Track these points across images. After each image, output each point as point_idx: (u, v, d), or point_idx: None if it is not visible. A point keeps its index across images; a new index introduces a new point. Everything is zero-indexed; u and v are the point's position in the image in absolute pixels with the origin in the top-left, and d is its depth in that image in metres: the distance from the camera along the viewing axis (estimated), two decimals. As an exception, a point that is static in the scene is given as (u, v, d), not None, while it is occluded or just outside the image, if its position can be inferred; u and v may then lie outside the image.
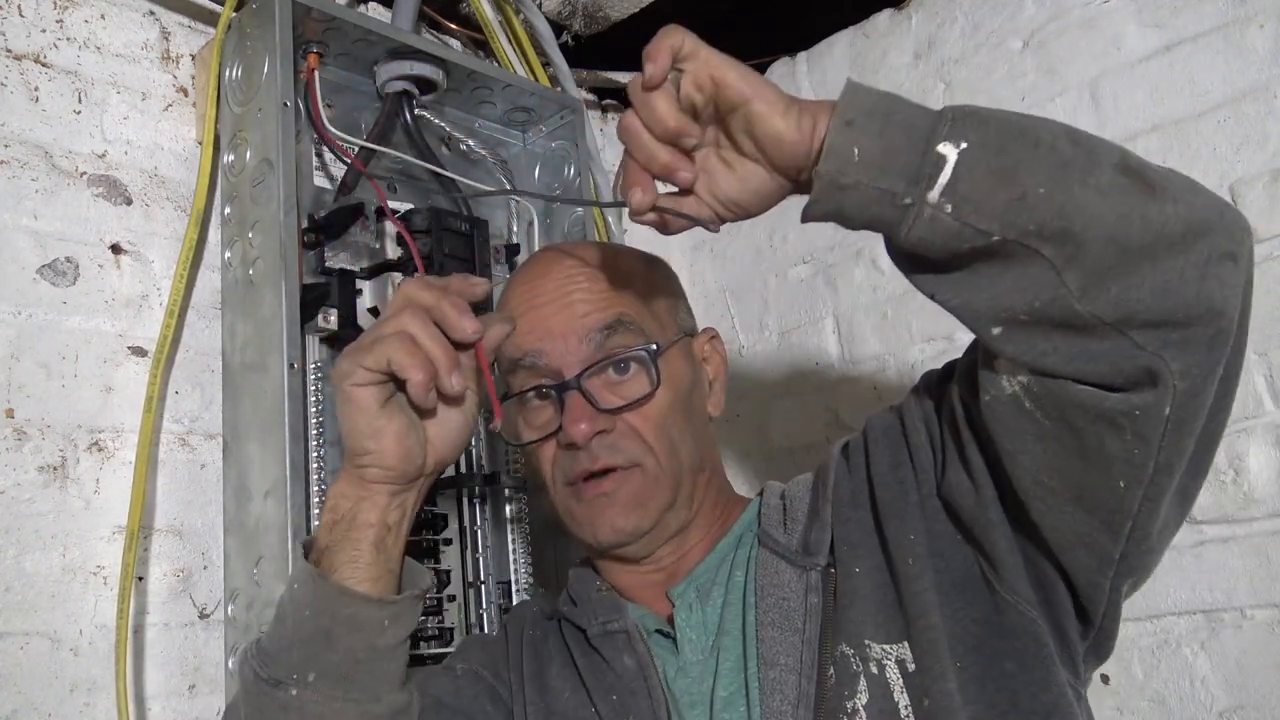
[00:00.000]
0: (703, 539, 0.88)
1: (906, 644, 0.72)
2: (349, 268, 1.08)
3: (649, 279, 0.90)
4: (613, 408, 0.83)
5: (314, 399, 1.01)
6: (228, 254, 1.06)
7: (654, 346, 0.85)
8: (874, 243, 1.38)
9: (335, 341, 1.07)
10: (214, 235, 1.08)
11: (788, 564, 0.79)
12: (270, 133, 1.01)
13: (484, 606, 1.13)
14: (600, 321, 0.84)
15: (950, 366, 0.77)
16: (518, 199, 1.29)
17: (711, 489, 0.89)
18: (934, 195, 0.60)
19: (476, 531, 1.14)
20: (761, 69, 1.59)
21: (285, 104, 1.01)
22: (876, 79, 1.44)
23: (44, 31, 1.03)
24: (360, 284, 1.09)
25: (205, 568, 1.02)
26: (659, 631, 0.84)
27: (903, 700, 0.71)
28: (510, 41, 1.38)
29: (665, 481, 0.84)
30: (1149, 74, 1.21)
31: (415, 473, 0.74)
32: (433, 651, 1.05)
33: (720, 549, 0.86)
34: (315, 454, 1.00)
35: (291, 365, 0.96)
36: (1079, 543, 0.68)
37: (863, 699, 0.72)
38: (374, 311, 1.09)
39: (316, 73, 1.09)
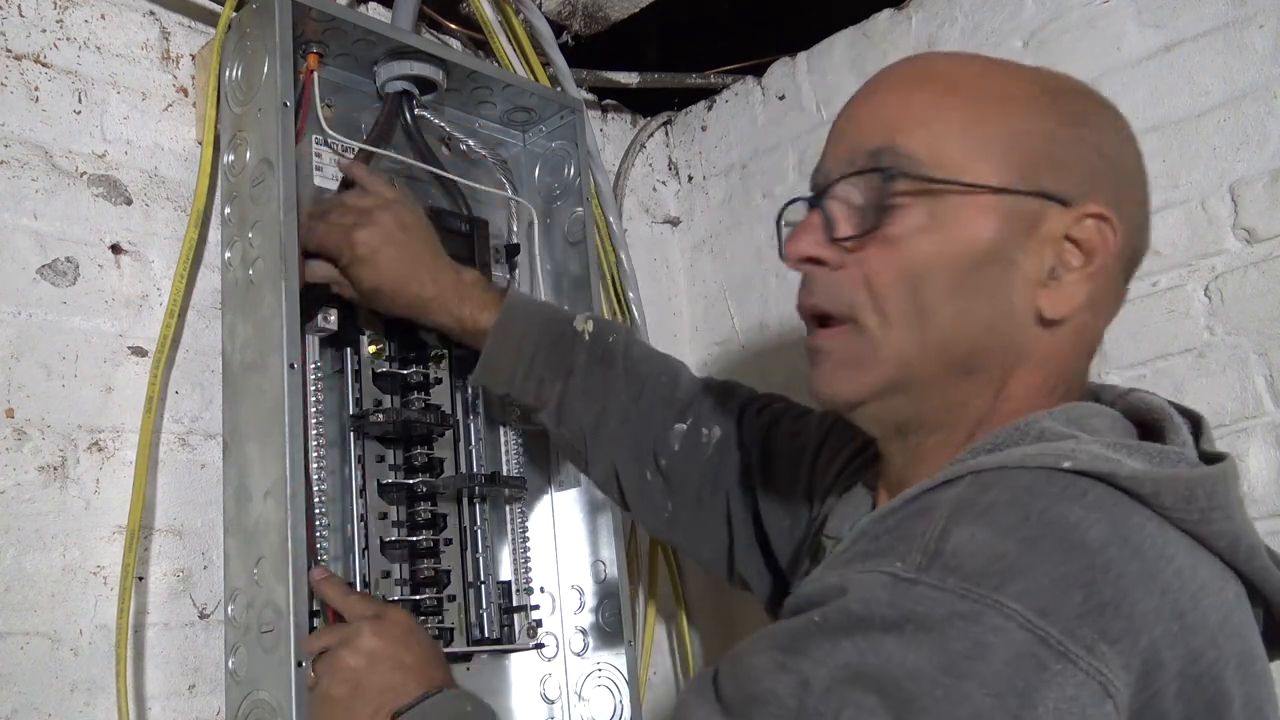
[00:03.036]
0: (940, 462, 0.65)
1: None
2: (349, 268, 1.08)
3: (1002, 109, 0.66)
4: (845, 236, 0.66)
5: (314, 399, 1.02)
6: (228, 254, 1.06)
7: (930, 178, 0.63)
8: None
9: (335, 341, 1.07)
10: (214, 235, 1.08)
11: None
12: (270, 133, 1.01)
13: (484, 606, 1.13)
14: (871, 143, 0.66)
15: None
16: (517, 199, 1.29)
17: (990, 403, 0.66)
18: None
19: (476, 531, 1.14)
20: (761, 69, 1.59)
21: (285, 104, 1.01)
22: (876, 79, 1.43)
23: (44, 31, 1.03)
24: (360, 284, 1.10)
25: (205, 568, 1.02)
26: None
27: None
28: (510, 41, 1.38)
29: (888, 353, 0.65)
30: (1149, 74, 1.21)
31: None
32: (433, 651, 1.05)
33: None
34: (315, 454, 1.00)
35: (291, 365, 0.96)
36: None
37: None
38: (374, 311, 1.09)
39: (316, 73, 1.09)
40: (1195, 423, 0.68)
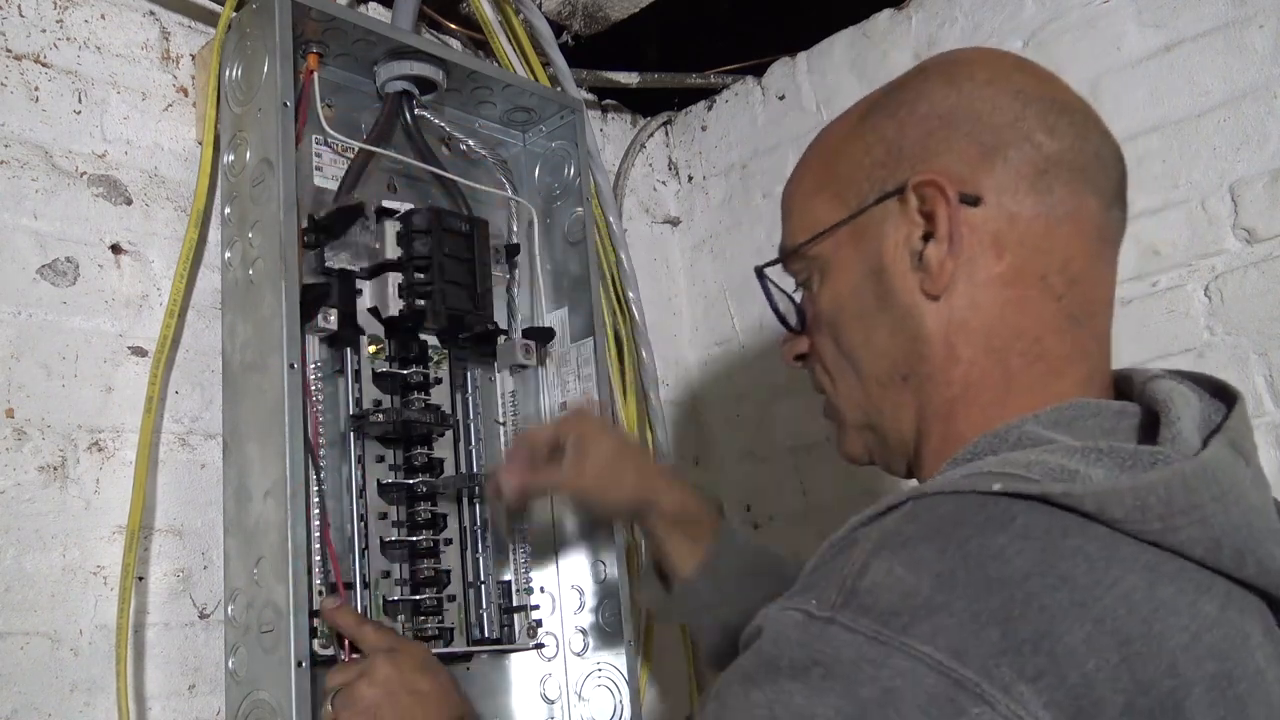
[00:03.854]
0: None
1: None
2: (349, 268, 1.08)
3: (835, 151, 0.70)
4: (791, 331, 0.75)
5: (314, 399, 1.02)
6: (228, 254, 1.06)
7: (799, 246, 0.70)
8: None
9: (335, 341, 1.07)
10: (214, 235, 1.08)
11: None
12: (270, 133, 1.01)
13: (484, 606, 1.13)
14: (781, 245, 0.74)
15: None
16: (517, 199, 1.29)
17: (943, 390, 0.65)
18: None
19: (476, 531, 1.14)
20: (761, 69, 1.59)
21: (285, 104, 1.01)
22: (877, 79, 1.43)
23: (44, 31, 1.03)
24: (360, 284, 1.09)
25: (205, 568, 1.02)
26: None
27: None
28: (510, 41, 1.38)
29: (843, 404, 0.71)
30: (1149, 74, 1.21)
31: None
32: (435, 652, 1.05)
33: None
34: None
35: (291, 365, 0.96)
36: None
37: None
38: (374, 312, 1.09)
39: (316, 73, 1.09)
40: (1231, 403, 0.62)
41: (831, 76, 1.50)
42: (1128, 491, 0.52)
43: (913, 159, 0.65)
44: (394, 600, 1.05)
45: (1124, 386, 0.67)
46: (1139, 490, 0.52)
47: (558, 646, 1.21)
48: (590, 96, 1.59)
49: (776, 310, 0.75)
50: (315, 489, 0.98)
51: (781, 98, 1.56)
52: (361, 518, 1.05)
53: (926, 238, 0.64)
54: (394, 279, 1.10)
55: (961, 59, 0.69)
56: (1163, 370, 0.65)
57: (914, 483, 0.64)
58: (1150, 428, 0.60)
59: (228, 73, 1.07)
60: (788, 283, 0.75)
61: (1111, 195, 0.66)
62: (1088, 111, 0.67)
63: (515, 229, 1.30)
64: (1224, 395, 0.63)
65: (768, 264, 0.74)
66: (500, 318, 1.23)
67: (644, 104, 1.67)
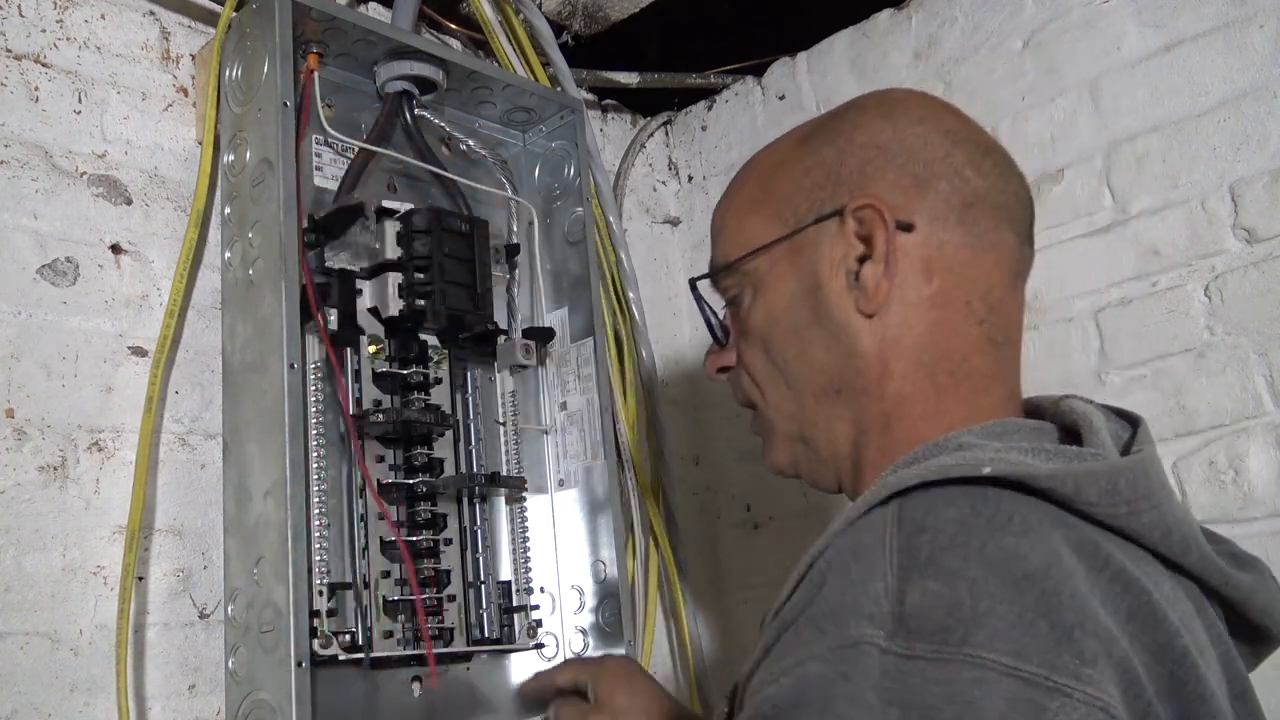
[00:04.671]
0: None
1: None
2: (349, 268, 1.08)
3: (773, 172, 0.74)
4: (719, 343, 0.78)
5: (314, 399, 1.02)
6: (228, 254, 1.06)
7: (733, 261, 0.73)
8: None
9: (335, 341, 1.07)
10: (214, 235, 1.08)
11: None
12: (270, 133, 1.01)
13: (484, 606, 1.13)
14: (713, 262, 0.77)
15: None
16: (517, 199, 1.29)
17: (878, 406, 0.68)
18: None
19: (476, 531, 1.14)
20: (761, 69, 1.59)
21: (285, 104, 1.01)
22: (876, 79, 1.44)
23: (44, 31, 1.03)
24: (360, 284, 1.09)
25: (205, 568, 1.02)
26: None
27: None
28: (510, 41, 1.38)
29: (774, 415, 0.74)
30: (1149, 74, 1.21)
31: None
32: (436, 651, 1.05)
33: None
34: (315, 454, 1.00)
35: (291, 365, 0.96)
36: None
37: None
38: (374, 312, 1.09)
39: (316, 73, 1.09)
40: (1135, 425, 0.68)
41: (831, 76, 1.50)
42: (1102, 474, 0.56)
43: (850, 184, 0.68)
44: (394, 600, 1.05)
45: (1033, 411, 0.70)
46: (1110, 474, 0.56)
47: (558, 646, 1.21)
48: (590, 96, 1.59)
49: (709, 323, 0.78)
50: (352, 483, 0.98)
51: (781, 98, 1.56)
52: (361, 518, 1.05)
53: (862, 259, 0.67)
54: (394, 279, 1.09)
55: (896, 98, 0.73)
56: (1069, 395, 0.70)
57: (846, 500, 0.68)
58: (1069, 443, 0.64)
59: (228, 73, 1.07)
60: (717, 301, 0.78)
61: (1025, 233, 0.71)
62: (1007, 156, 0.72)
63: (515, 229, 1.30)
64: (1129, 419, 0.69)
65: (699, 277, 0.77)
66: (500, 318, 1.23)
67: (644, 104, 1.67)
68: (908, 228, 0.66)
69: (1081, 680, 0.47)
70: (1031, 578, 0.50)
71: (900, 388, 0.67)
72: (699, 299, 0.78)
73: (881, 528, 0.54)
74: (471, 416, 1.18)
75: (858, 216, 0.67)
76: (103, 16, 1.07)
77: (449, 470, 1.13)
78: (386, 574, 1.06)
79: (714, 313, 0.78)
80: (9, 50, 1.00)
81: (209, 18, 1.13)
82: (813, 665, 0.51)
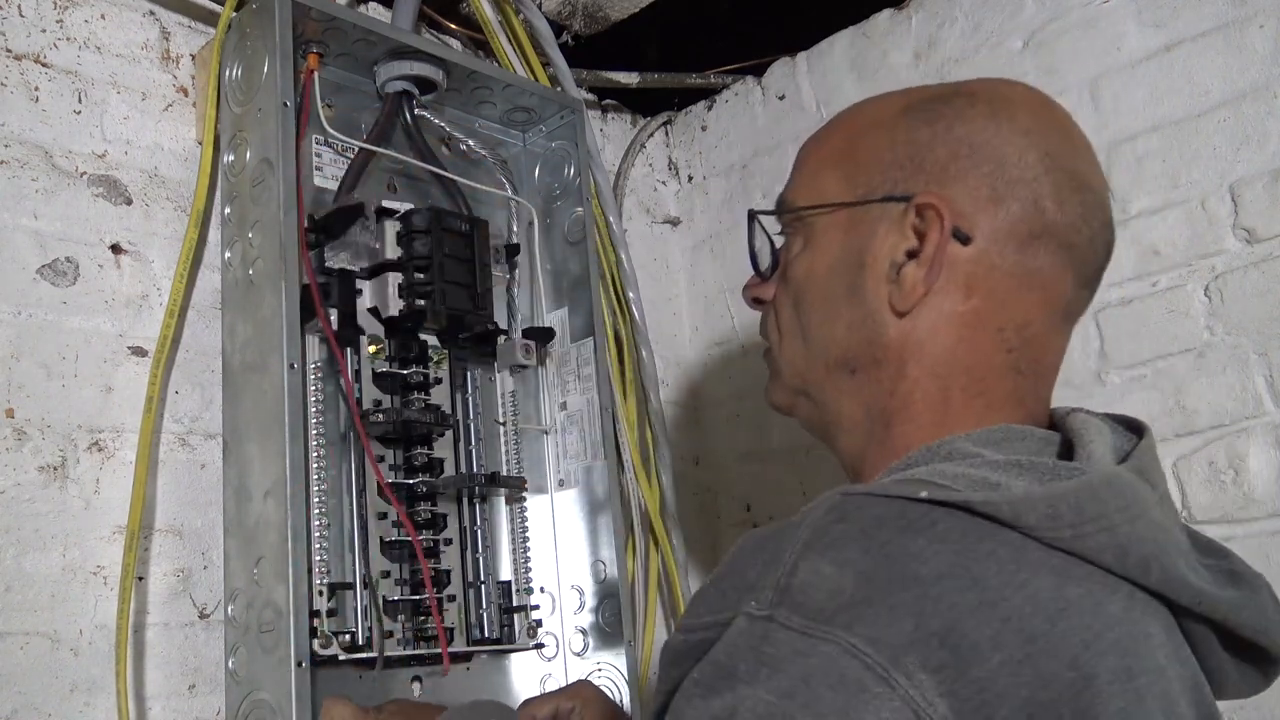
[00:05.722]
0: (863, 473, 0.69)
1: None
2: (349, 268, 1.08)
3: (863, 133, 0.72)
4: (759, 274, 0.77)
5: (314, 399, 1.02)
6: (228, 254, 1.06)
7: (796, 209, 0.72)
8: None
9: (335, 341, 1.07)
10: (214, 235, 1.08)
11: None
12: (270, 133, 1.01)
13: (484, 606, 1.13)
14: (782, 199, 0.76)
15: None
16: (517, 199, 1.29)
17: (886, 401, 0.68)
18: None
19: (476, 531, 1.14)
20: (761, 69, 1.59)
21: (285, 104, 1.01)
22: (876, 79, 1.44)
23: (44, 31, 1.03)
24: (360, 284, 1.09)
25: (205, 568, 1.02)
26: None
27: None
28: (510, 41, 1.38)
29: (784, 365, 0.74)
30: (1149, 74, 1.21)
31: None
32: (436, 651, 1.05)
33: None
34: (315, 454, 1.00)
35: (291, 365, 0.96)
36: None
37: None
38: (374, 312, 1.09)
39: (316, 73, 1.09)
40: (1141, 434, 0.67)
41: (831, 76, 1.50)
42: (1041, 500, 0.55)
43: (930, 175, 0.66)
44: (394, 600, 1.05)
45: (1052, 422, 0.70)
46: (1051, 499, 0.56)
47: (558, 646, 1.21)
48: (590, 96, 1.59)
49: (753, 251, 0.77)
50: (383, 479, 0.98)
51: (781, 98, 1.56)
52: (361, 518, 1.05)
53: (910, 254, 0.66)
54: (394, 279, 1.10)
55: (1014, 97, 0.70)
56: (1079, 408, 0.69)
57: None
58: (1068, 455, 0.64)
59: (228, 73, 1.07)
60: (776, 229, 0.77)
61: (1088, 277, 0.69)
62: (1102, 196, 0.69)
63: (515, 229, 1.30)
64: (1135, 429, 0.68)
65: (762, 211, 0.76)
66: (500, 318, 1.23)
67: (644, 104, 1.67)
68: (965, 240, 0.65)
69: (911, 681, 0.49)
70: (920, 580, 0.52)
71: (911, 391, 0.66)
72: (752, 228, 0.76)
73: (813, 509, 0.57)
74: (471, 416, 1.18)
75: (920, 211, 0.65)
76: (103, 16, 1.07)
77: (449, 470, 1.13)
78: (386, 574, 1.06)
79: (770, 240, 0.76)
80: (9, 50, 1.00)
81: (209, 18, 1.13)
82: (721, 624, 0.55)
